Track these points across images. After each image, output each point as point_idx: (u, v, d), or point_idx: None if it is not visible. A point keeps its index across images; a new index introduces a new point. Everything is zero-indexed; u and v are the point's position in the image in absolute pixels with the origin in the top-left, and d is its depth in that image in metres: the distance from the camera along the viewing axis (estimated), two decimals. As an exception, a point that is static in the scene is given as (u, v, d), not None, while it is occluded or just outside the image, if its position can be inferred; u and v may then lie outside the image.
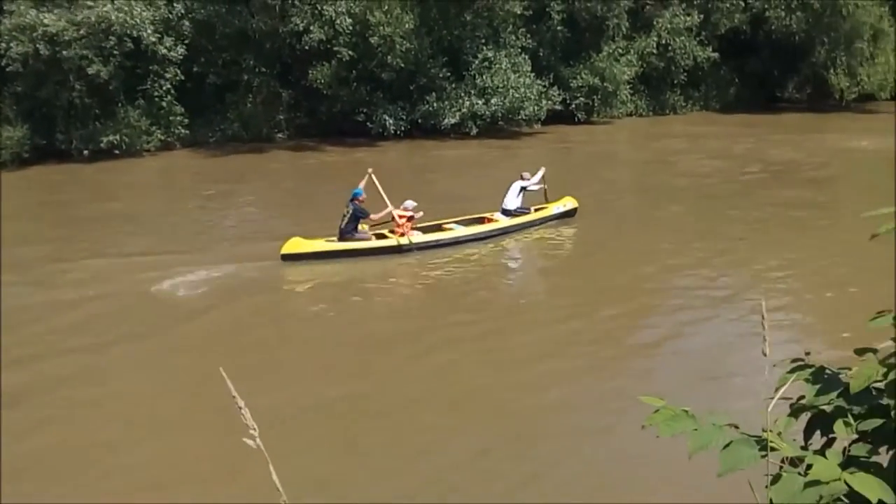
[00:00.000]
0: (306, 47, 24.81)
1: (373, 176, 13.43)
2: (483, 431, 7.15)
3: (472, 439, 7.01)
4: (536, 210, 15.08)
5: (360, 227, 13.00)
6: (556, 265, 13.65)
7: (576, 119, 29.83)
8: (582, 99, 29.83)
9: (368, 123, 26.09)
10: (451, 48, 27.26)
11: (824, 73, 34.21)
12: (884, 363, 1.86)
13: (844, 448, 1.81)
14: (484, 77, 26.70)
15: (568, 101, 29.46)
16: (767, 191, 18.52)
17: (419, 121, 26.63)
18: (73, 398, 7.90)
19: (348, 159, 23.08)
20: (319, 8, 24.68)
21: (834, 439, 1.86)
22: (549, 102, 28.02)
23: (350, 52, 25.03)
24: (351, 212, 12.83)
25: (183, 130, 24.76)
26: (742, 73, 35.31)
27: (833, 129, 29.17)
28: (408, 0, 26.13)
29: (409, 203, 13.46)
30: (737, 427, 1.83)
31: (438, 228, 13.85)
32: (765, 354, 1.77)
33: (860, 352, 1.97)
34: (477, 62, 27.01)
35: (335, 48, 24.90)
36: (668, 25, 31.81)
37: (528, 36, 28.39)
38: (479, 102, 26.44)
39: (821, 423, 1.90)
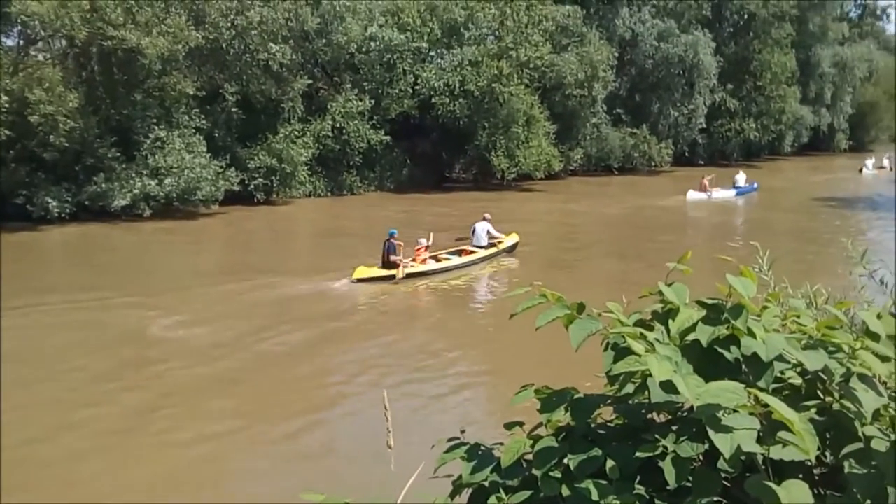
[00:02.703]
0: (-47, 125, 22.80)
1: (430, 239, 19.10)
2: None
3: None
4: (498, 244, 20.61)
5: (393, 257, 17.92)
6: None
7: (255, 199, 29.99)
8: (260, 180, 30.12)
9: (29, 206, 24.31)
10: (121, 127, 26.49)
11: (487, 155, 37.27)
12: (531, 435, 1.98)
13: None
14: (156, 157, 26.05)
15: (246, 182, 29.59)
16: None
17: (87, 203, 25.30)
18: None
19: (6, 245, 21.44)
20: (-32, 84, 22.93)
21: None
22: (227, 183, 27.98)
23: (7, 132, 23.49)
24: (388, 246, 17.95)
25: None
26: (414, 155, 37.56)
27: (513, 202, 32.58)
28: (72, 77, 25.10)
29: (423, 240, 18.79)
30: None
31: (437, 259, 19.23)
32: (389, 447, 1.89)
33: (509, 426, 2.06)
34: (149, 142, 26.34)
35: (-11, 127, 23.20)
36: (342, 109, 33.07)
37: (203, 116, 28.21)
38: (153, 183, 25.78)
39: (481, 499, 1.93)
